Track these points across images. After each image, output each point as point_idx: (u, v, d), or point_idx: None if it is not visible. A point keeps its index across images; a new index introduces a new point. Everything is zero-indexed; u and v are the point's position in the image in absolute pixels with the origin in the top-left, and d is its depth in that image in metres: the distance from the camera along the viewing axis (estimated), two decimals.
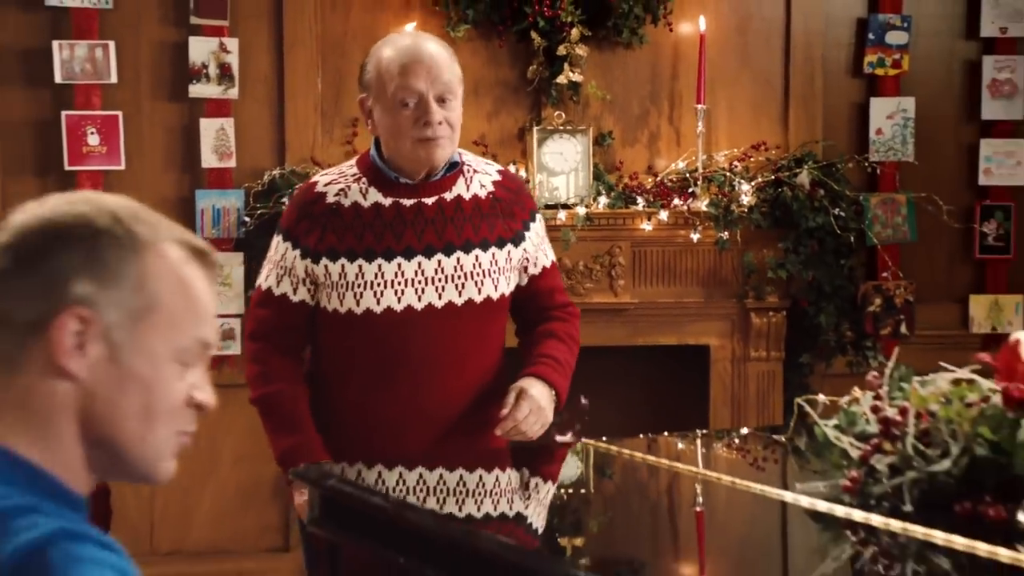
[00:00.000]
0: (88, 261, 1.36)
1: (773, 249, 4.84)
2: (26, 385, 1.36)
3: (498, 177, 2.84)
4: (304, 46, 4.82)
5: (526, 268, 2.85)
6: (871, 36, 5.02)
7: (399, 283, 2.70)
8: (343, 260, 2.70)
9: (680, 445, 2.93)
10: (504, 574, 1.91)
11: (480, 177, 2.81)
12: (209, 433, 4.39)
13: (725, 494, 2.39)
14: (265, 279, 2.78)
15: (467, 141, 4.23)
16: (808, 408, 2.41)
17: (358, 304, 2.70)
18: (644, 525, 2.39)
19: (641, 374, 5.04)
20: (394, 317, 2.70)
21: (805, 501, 2.16)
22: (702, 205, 4.74)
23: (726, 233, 4.73)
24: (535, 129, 4.80)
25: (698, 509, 2.42)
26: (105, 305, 1.36)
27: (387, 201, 2.73)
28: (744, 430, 3.88)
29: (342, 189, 2.75)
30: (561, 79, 4.75)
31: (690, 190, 4.78)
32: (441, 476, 2.42)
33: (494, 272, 2.76)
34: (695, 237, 4.76)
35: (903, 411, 2.11)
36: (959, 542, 1.87)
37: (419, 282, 2.71)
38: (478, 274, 2.75)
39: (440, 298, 2.72)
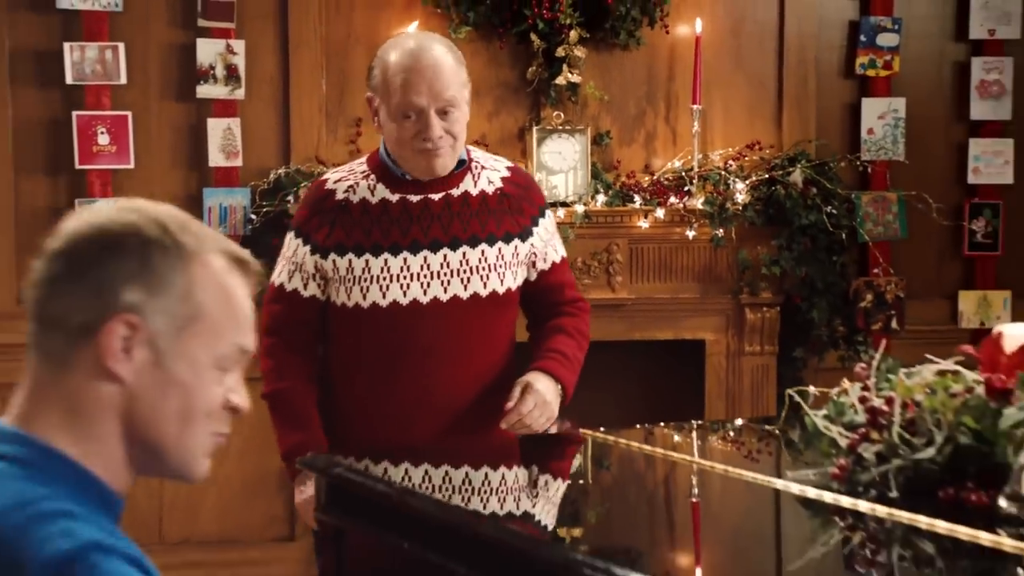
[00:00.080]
0: (138, 270, 1.40)
1: (767, 246, 4.85)
2: (74, 385, 1.40)
3: (507, 173, 2.83)
4: (309, 48, 4.83)
5: (534, 263, 2.83)
6: (863, 38, 5.03)
7: (405, 277, 2.70)
8: (351, 255, 2.70)
9: (676, 436, 2.92)
10: (505, 558, 1.91)
11: (488, 173, 2.80)
12: None
13: (719, 482, 2.41)
14: (278, 275, 2.78)
15: (468, 141, 4.23)
16: (799, 399, 2.41)
17: (365, 298, 2.70)
18: (641, 512, 2.40)
19: (638, 368, 5.04)
20: (400, 311, 2.69)
21: (796, 488, 2.17)
22: (698, 203, 4.74)
23: (721, 230, 4.75)
24: (534, 129, 4.81)
25: (693, 496, 2.43)
26: (152, 313, 1.40)
27: (394, 197, 2.72)
28: (738, 421, 3.90)
29: (351, 186, 2.75)
30: (560, 80, 4.76)
31: (686, 188, 4.79)
32: (447, 473, 2.40)
33: (500, 267, 2.75)
34: (691, 234, 4.77)
35: (889, 401, 2.13)
36: (942, 526, 1.88)
37: (424, 276, 2.70)
38: (483, 269, 2.73)
39: (446, 292, 2.71)
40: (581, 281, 4.66)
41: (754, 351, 4.93)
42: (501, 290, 2.75)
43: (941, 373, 2.19)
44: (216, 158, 4.76)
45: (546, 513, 2.32)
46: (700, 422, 3.78)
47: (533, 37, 4.73)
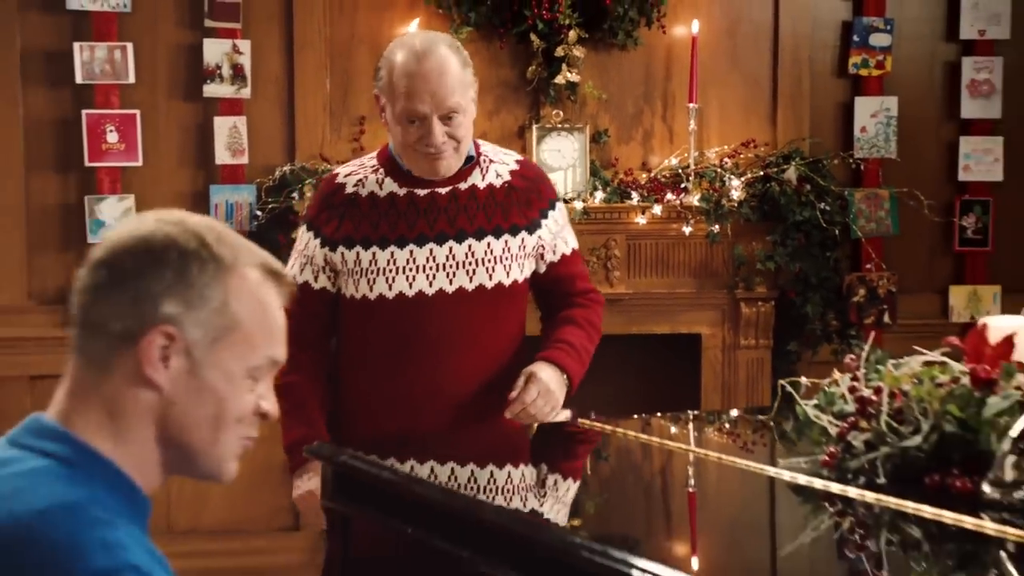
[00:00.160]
0: (176, 282, 1.43)
1: (762, 242, 4.86)
2: (113, 389, 1.44)
3: (515, 167, 2.81)
4: (313, 48, 4.85)
5: (542, 255, 2.81)
6: (856, 38, 5.04)
7: (411, 269, 2.69)
8: (358, 248, 2.70)
9: (672, 427, 2.93)
10: (507, 543, 1.93)
11: (496, 167, 2.79)
12: None
13: (714, 469, 2.43)
14: (290, 268, 2.77)
15: None
16: (791, 390, 2.44)
17: (372, 290, 2.70)
18: (639, 498, 2.41)
19: (636, 362, 5.04)
20: (406, 302, 2.69)
21: (787, 475, 2.19)
22: (694, 200, 4.76)
23: (717, 227, 4.76)
24: (534, 127, 4.83)
25: (689, 483, 2.44)
26: (189, 324, 1.43)
27: (402, 191, 2.72)
28: (733, 412, 3.92)
29: (360, 180, 2.75)
30: (559, 79, 4.77)
31: (682, 185, 4.80)
32: (453, 471, 2.36)
33: (506, 259, 2.74)
34: (687, 230, 4.78)
35: (878, 391, 2.14)
36: (928, 511, 1.90)
37: (430, 268, 2.69)
38: (489, 261, 2.72)
39: (451, 284, 2.70)
40: None
41: (749, 345, 4.94)
42: (507, 282, 2.74)
43: (928, 364, 2.20)
44: (222, 156, 4.78)
45: (547, 500, 2.32)
46: (696, 412, 3.80)
47: (533, 37, 4.75)
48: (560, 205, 2.88)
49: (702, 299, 4.94)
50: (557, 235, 2.84)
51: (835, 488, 2.08)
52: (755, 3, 5.04)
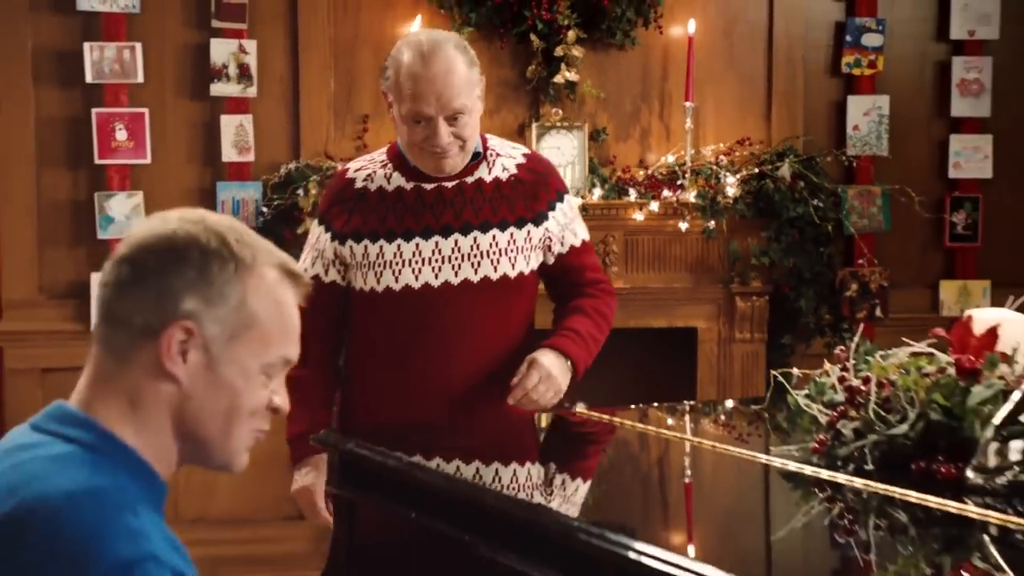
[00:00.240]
0: (196, 280, 1.46)
1: (756, 238, 4.88)
2: (134, 380, 1.47)
3: (523, 160, 2.80)
4: (317, 48, 4.86)
5: (550, 247, 2.79)
6: (848, 38, 5.06)
7: (416, 262, 2.69)
8: (366, 241, 2.71)
9: (669, 418, 2.94)
10: (509, 527, 1.95)
11: (504, 161, 2.77)
12: None
13: (709, 457, 2.45)
14: (303, 262, 2.79)
15: None
16: (783, 380, 2.46)
17: (379, 283, 2.70)
18: (636, 484, 2.42)
19: (633, 355, 5.02)
20: (412, 294, 2.68)
21: (779, 462, 2.22)
22: (690, 196, 4.77)
23: (712, 223, 4.77)
24: (534, 125, 4.84)
25: (685, 470, 2.45)
26: (208, 321, 1.46)
27: (409, 185, 2.72)
28: (728, 402, 3.93)
29: (369, 175, 2.75)
30: (558, 78, 4.79)
31: (679, 182, 4.81)
32: (458, 468, 2.30)
33: (511, 251, 2.72)
34: (683, 226, 4.80)
35: (866, 381, 2.17)
36: (914, 496, 1.93)
37: (436, 261, 2.69)
38: (494, 253, 2.71)
39: (456, 276, 2.69)
40: None
41: (744, 338, 4.96)
42: (512, 274, 2.73)
43: (915, 355, 2.23)
44: (229, 153, 4.80)
45: (548, 484, 2.32)
46: (692, 402, 3.81)
47: (532, 37, 4.76)
48: (569, 197, 2.85)
49: (698, 294, 4.95)
50: (566, 227, 2.82)
51: (825, 474, 2.11)
52: (750, 4, 5.05)
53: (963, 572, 1.78)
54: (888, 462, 2.10)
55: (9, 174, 4.79)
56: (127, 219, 4.71)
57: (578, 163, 4.84)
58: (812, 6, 5.11)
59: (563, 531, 1.85)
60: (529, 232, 2.75)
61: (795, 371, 2.52)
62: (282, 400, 1.56)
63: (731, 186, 4.78)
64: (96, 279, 3.84)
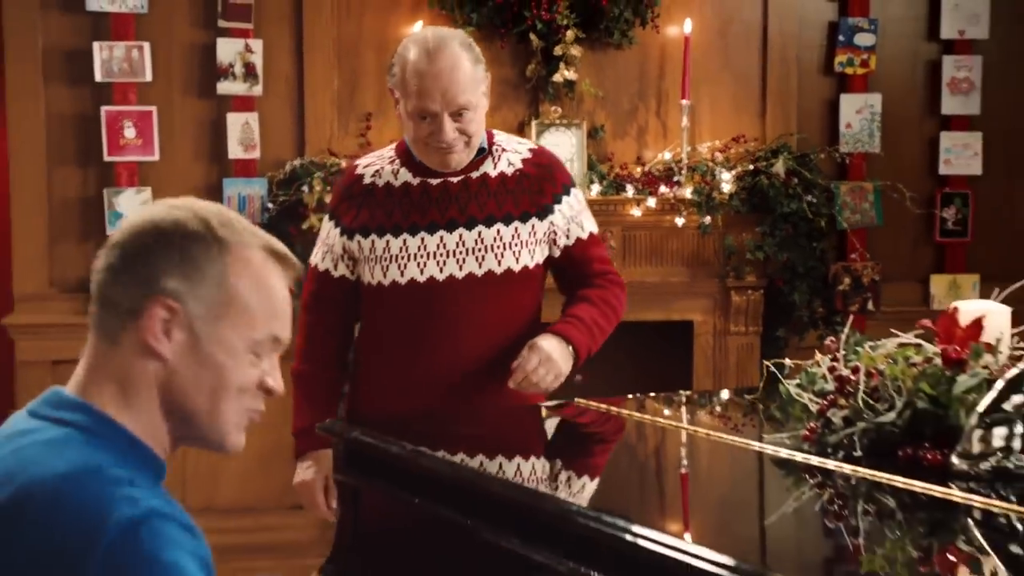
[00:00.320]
0: (178, 261, 1.48)
1: (751, 233, 4.89)
2: (123, 360, 1.49)
3: (528, 155, 2.80)
4: (322, 48, 4.88)
5: (555, 240, 2.78)
6: (841, 38, 5.07)
7: (422, 256, 2.69)
8: (374, 236, 2.72)
9: (666, 408, 2.94)
10: (511, 513, 1.97)
11: (509, 155, 2.78)
12: None
13: (704, 444, 2.47)
14: (314, 257, 2.82)
15: None
16: (775, 371, 2.48)
17: (385, 277, 2.71)
18: (635, 471, 2.44)
19: (630, 348, 4.97)
20: (417, 288, 2.69)
21: (771, 449, 2.24)
22: (686, 192, 4.78)
23: (708, 218, 4.79)
24: (533, 123, 4.85)
25: (681, 456, 2.46)
26: (190, 299, 1.48)
27: (415, 181, 2.73)
28: (724, 393, 3.95)
29: (377, 171, 2.76)
30: (557, 77, 4.80)
31: (675, 179, 4.82)
32: (463, 459, 2.29)
33: (515, 245, 2.72)
34: (680, 222, 4.81)
35: (855, 370, 2.19)
36: (901, 482, 1.96)
37: (441, 255, 2.69)
38: (498, 247, 2.71)
39: (461, 270, 2.69)
40: None
41: (739, 331, 4.97)
42: (517, 268, 2.73)
43: (903, 345, 2.26)
44: (235, 150, 4.81)
45: (551, 472, 2.34)
46: (688, 393, 3.81)
47: (532, 37, 4.77)
48: (576, 191, 2.84)
49: (694, 288, 4.96)
50: (572, 220, 2.80)
51: (815, 461, 2.13)
52: (745, 4, 5.06)
53: (948, 554, 1.80)
54: (876, 449, 2.12)
55: (21, 171, 4.81)
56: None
57: (576, 160, 4.85)
58: (806, 6, 5.12)
59: (562, 515, 1.87)
60: (534, 226, 2.76)
61: (787, 362, 2.52)
62: (275, 382, 1.56)
63: (726, 182, 4.79)
64: None
